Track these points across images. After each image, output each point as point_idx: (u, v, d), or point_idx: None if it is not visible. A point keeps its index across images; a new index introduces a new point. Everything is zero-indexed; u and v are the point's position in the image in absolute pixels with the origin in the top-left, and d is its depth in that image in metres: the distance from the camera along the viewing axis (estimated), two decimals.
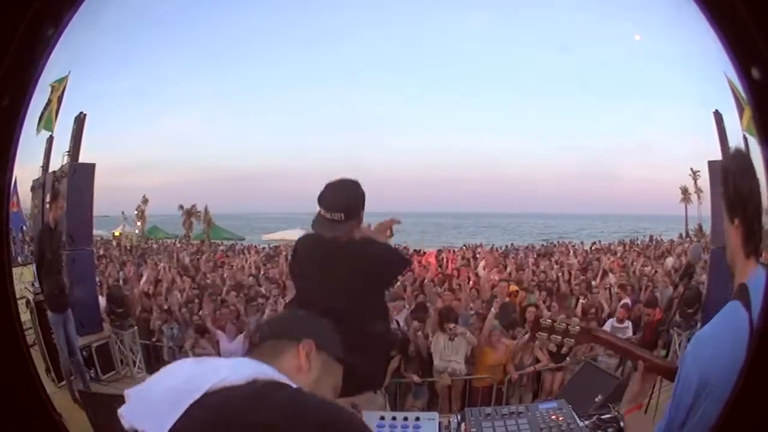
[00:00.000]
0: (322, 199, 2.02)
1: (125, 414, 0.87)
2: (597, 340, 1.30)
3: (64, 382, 4.66)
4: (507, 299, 6.09)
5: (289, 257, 2.30)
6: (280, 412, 0.79)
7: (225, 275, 8.07)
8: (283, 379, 0.88)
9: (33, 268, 5.43)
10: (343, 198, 2.01)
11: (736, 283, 1.13)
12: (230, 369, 0.86)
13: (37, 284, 4.88)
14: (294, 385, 0.87)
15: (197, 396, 0.81)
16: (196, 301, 6.54)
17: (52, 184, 5.86)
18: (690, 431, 1.07)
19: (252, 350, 1.01)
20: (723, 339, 1.08)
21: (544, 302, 6.07)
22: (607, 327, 5.53)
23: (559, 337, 1.27)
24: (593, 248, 11.93)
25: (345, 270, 2.01)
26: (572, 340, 1.27)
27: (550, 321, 1.28)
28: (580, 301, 6.33)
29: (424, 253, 9.69)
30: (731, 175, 1.13)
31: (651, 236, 13.29)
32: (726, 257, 1.18)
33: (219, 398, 0.81)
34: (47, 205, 5.01)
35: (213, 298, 6.60)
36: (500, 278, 7.10)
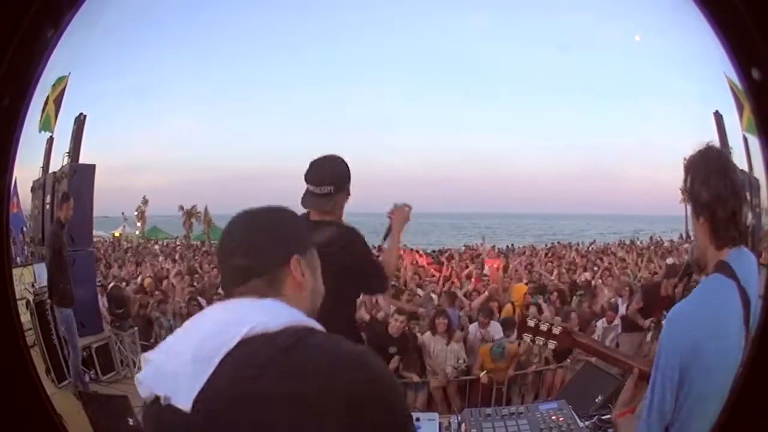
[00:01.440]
0: (309, 175, 1.97)
1: (143, 380, 0.77)
2: (576, 343, 1.31)
3: (64, 383, 4.66)
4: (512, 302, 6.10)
5: None
6: (320, 359, 0.73)
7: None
8: (312, 323, 0.81)
9: (33, 268, 5.45)
10: (331, 171, 1.97)
11: (708, 270, 1.13)
12: (264, 313, 0.77)
13: (43, 283, 4.88)
14: (322, 329, 0.81)
15: (228, 348, 0.72)
16: (201, 298, 6.51)
17: (53, 185, 5.86)
18: (686, 412, 1.04)
19: (236, 291, 0.84)
20: (705, 307, 1.08)
21: (549, 303, 6.06)
22: (598, 328, 5.54)
23: (543, 338, 1.28)
24: (593, 248, 11.95)
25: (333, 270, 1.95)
26: (555, 342, 1.28)
27: (534, 322, 1.29)
28: (580, 302, 6.32)
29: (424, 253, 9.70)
30: (696, 177, 1.12)
31: (651, 237, 13.31)
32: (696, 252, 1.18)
33: (255, 348, 0.72)
34: (58, 206, 5.00)
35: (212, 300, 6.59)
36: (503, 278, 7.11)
